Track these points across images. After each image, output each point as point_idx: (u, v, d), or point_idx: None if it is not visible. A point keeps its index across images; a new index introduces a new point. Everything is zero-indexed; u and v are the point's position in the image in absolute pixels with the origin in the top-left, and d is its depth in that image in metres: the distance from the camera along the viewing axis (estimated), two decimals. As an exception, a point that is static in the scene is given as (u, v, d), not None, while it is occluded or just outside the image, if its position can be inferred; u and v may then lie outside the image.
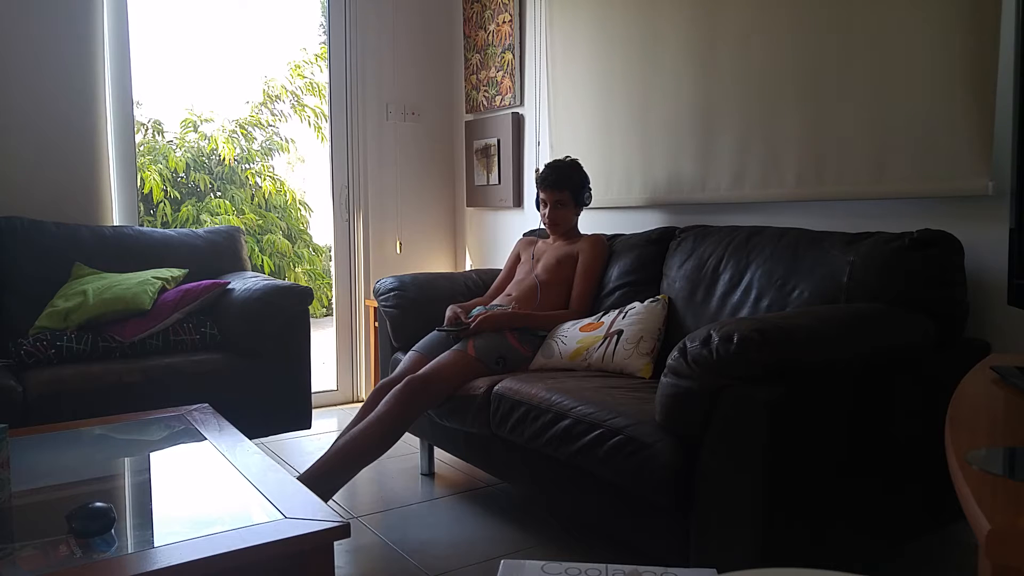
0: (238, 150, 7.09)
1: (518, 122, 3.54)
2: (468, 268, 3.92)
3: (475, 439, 2.24)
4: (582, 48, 3.07)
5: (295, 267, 7.20)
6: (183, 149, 6.95)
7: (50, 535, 1.25)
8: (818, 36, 2.20)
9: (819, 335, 1.55)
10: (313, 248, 7.50)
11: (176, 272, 2.82)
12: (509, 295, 2.61)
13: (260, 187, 7.19)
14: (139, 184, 6.06)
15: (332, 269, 3.91)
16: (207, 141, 7.03)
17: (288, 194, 7.37)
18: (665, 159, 2.73)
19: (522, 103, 3.51)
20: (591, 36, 3.02)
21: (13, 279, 2.69)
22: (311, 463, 2.12)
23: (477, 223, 3.93)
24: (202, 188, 6.90)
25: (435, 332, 2.51)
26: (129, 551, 1.21)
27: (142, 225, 3.25)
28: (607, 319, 2.31)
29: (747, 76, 2.41)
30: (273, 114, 7.30)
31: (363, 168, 3.79)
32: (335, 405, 3.82)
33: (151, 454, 1.83)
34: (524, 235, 3.02)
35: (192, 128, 7.00)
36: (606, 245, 2.64)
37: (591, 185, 2.71)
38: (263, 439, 3.00)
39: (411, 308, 2.70)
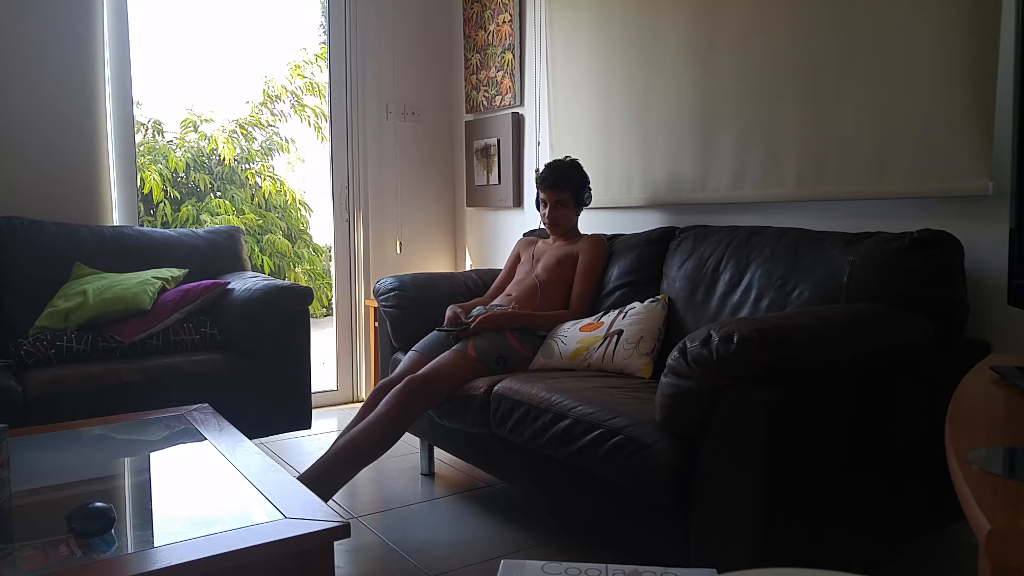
0: (238, 150, 7.09)
1: (518, 122, 3.54)
2: (468, 268, 3.92)
3: (475, 439, 2.24)
4: (582, 48, 3.07)
5: (295, 267, 7.20)
6: (183, 149, 6.95)
7: (50, 535, 1.25)
8: (818, 36, 2.20)
9: (819, 335, 1.55)
10: (313, 248, 7.50)
11: (176, 272, 2.82)
12: (509, 295, 2.62)
13: (260, 187, 7.19)
14: (139, 184, 6.06)
15: (332, 269, 3.91)
16: (207, 141, 7.03)
17: (288, 194, 7.37)
18: (665, 159, 2.73)
19: (522, 103, 3.51)
20: (591, 36, 3.02)
21: (13, 279, 2.69)
22: (311, 463, 2.12)
23: (477, 223, 3.93)
24: (202, 188, 6.90)
25: (435, 332, 2.51)
26: (129, 551, 1.21)
27: (142, 225, 3.25)
28: (607, 319, 2.31)
29: (747, 76, 2.41)
30: (273, 114, 7.31)
31: (363, 168, 3.79)
32: (335, 405, 3.82)
33: (151, 454, 1.83)
34: (524, 235, 3.02)
35: (192, 128, 7.00)
36: (606, 245, 2.64)
37: (591, 185, 2.71)
38: (263, 439, 3.00)
39: (411, 308, 2.70)
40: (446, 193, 4.06)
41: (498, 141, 3.62)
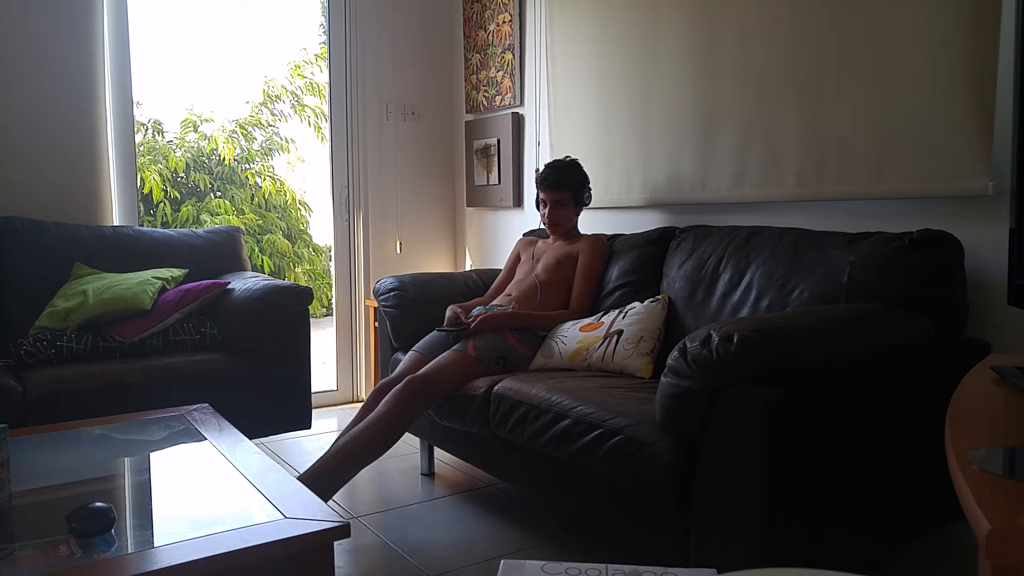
0: (238, 150, 7.10)
1: (518, 122, 3.54)
2: (468, 268, 3.92)
3: (475, 439, 2.24)
4: (582, 48, 3.07)
5: (295, 267, 7.20)
6: (183, 149, 6.95)
7: (50, 535, 1.25)
8: (818, 36, 2.20)
9: (819, 335, 1.55)
10: (313, 248, 7.50)
11: (176, 272, 2.82)
12: (509, 295, 2.62)
13: (260, 187, 7.19)
14: (139, 184, 6.06)
15: (332, 269, 3.91)
16: (207, 141, 7.03)
17: (288, 194, 7.37)
18: (665, 159, 2.73)
19: (522, 103, 3.51)
20: (591, 36, 3.02)
21: (13, 279, 2.69)
22: (311, 463, 2.12)
23: (477, 223, 3.93)
24: (202, 188, 6.91)
25: (435, 332, 2.51)
26: (129, 551, 1.21)
27: (142, 225, 3.25)
28: (607, 319, 2.31)
29: (747, 76, 2.41)
30: (273, 114, 7.31)
31: (363, 168, 3.79)
32: (335, 405, 3.82)
33: (151, 454, 1.83)
34: (524, 235, 3.02)
35: (192, 128, 7.00)
36: (606, 245, 2.64)
37: (591, 185, 2.71)
38: (263, 439, 3.00)
39: (411, 308, 2.70)
40: (446, 193, 4.06)
41: (498, 141, 3.63)
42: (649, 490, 1.60)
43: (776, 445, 1.41)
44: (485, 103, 3.72)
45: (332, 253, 3.90)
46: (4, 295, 2.66)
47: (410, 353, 2.50)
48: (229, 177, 7.11)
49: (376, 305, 2.91)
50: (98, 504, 1.27)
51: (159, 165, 6.65)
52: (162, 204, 6.60)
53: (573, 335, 2.31)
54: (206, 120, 7.04)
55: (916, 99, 1.98)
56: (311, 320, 2.83)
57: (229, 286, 2.76)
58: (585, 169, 2.70)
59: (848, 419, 1.56)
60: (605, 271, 2.60)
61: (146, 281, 2.65)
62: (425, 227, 4.00)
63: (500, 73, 3.60)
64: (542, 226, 2.81)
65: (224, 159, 6.98)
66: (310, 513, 1.33)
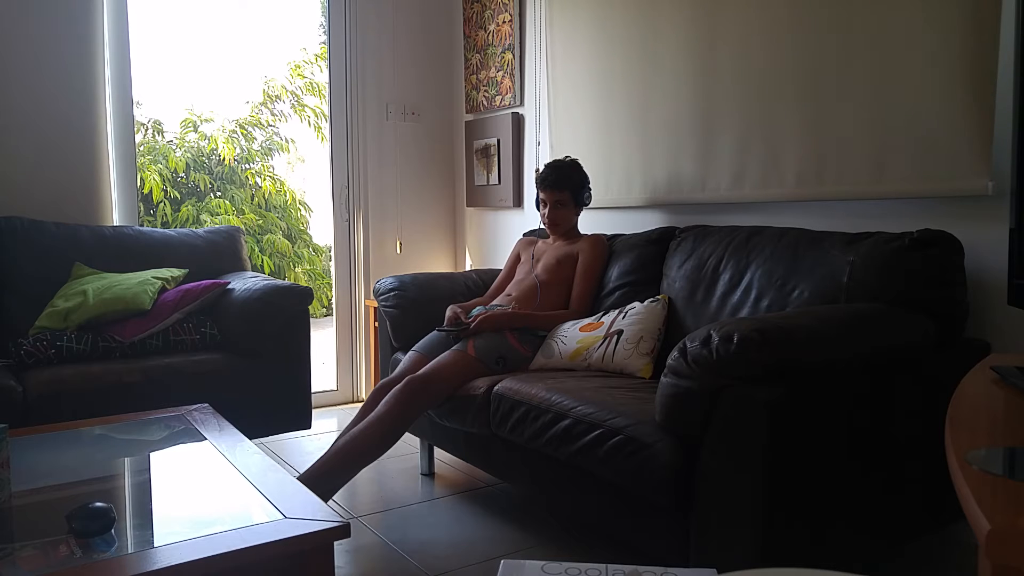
0: (238, 150, 7.09)
1: (518, 122, 3.54)
2: (468, 268, 3.92)
3: (475, 439, 2.24)
4: (582, 48, 3.07)
5: (295, 267, 7.20)
6: (183, 149, 6.95)
7: (50, 535, 1.25)
8: (818, 36, 2.20)
9: (819, 335, 1.55)
10: (313, 248, 7.50)
11: (176, 272, 2.82)
12: (509, 295, 2.62)
13: (260, 187, 7.19)
14: (139, 184, 6.06)
15: (332, 269, 3.91)
16: (207, 141, 7.03)
17: (288, 194, 7.37)
18: (665, 159, 2.73)
19: (522, 103, 3.51)
20: (591, 36, 3.02)
21: (13, 279, 2.69)
22: (311, 463, 2.12)
23: (477, 223, 3.93)
24: (202, 188, 6.91)
25: (435, 332, 2.51)
26: (129, 551, 1.21)
27: (142, 225, 3.25)
28: (607, 319, 2.31)
29: (747, 76, 2.41)
30: (273, 114, 7.31)
31: (363, 168, 3.79)
32: (335, 405, 3.82)
33: (151, 454, 1.83)
34: (524, 235, 3.02)
35: (192, 128, 7.00)
36: (606, 245, 2.64)
37: (591, 185, 2.71)
38: (263, 439, 3.00)
39: (411, 308, 2.70)
40: (446, 193, 4.06)
41: (498, 141, 3.63)
42: (649, 490, 1.60)
43: (776, 445, 1.41)
44: (485, 103, 3.72)
45: (332, 253, 3.90)
46: (4, 295, 2.66)
47: (410, 353, 2.50)
48: (229, 177, 7.11)
49: (376, 305, 2.91)
50: (98, 504, 1.27)
51: (159, 165, 6.65)
52: (162, 204, 6.60)
53: (573, 335, 2.31)
54: (206, 120, 7.04)
55: (916, 99, 1.98)
56: (311, 320, 2.83)
57: (229, 286, 2.76)
58: (585, 169, 2.70)
59: (848, 419, 1.56)
60: (605, 271, 2.60)
61: (146, 281, 2.65)
62: (425, 227, 4.00)
63: (500, 73, 3.60)
64: (542, 226, 2.81)
65: (224, 159, 6.98)
66: (310, 513, 1.33)
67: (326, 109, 3.93)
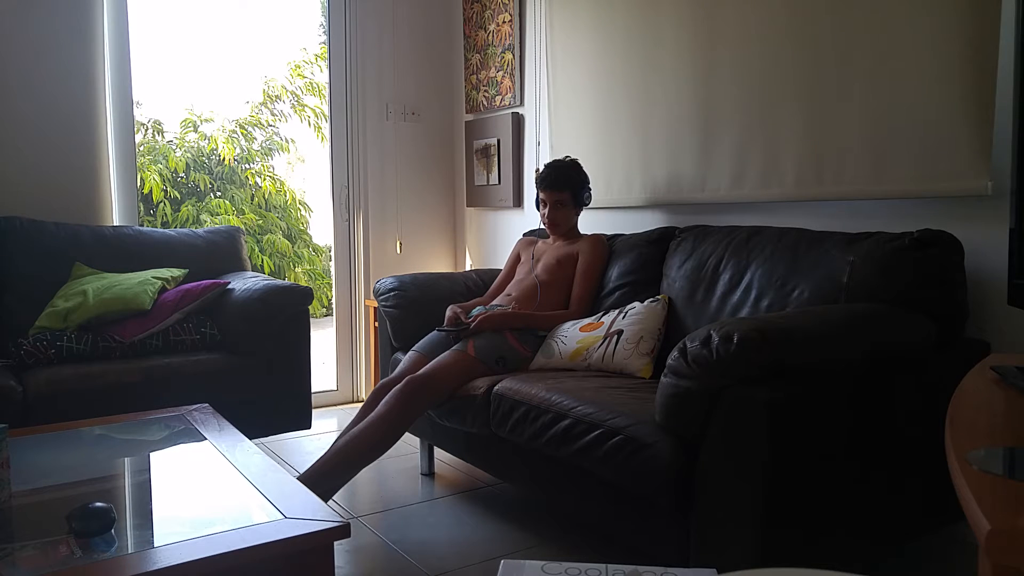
0: (238, 150, 7.09)
1: (518, 122, 3.54)
2: (468, 268, 3.92)
3: (475, 439, 2.24)
4: (582, 48, 3.07)
5: (295, 267, 7.20)
6: (183, 149, 6.95)
7: (50, 535, 1.25)
8: (818, 37, 2.20)
9: (819, 335, 1.55)
10: (313, 248, 7.50)
11: (176, 272, 2.82)
12: (509, 295, 2.61)
13: (260, 187, 7.19)
14: (139, 184, 6.06)
15: (332, 269, 3.91)
16: (207, 141, 7.03)
17: (288, 194, 7.37)
18: (665, 159, 2.73)
19: (522, 103, 3.51)
20: (591, 36, 3.02)
21: (13, 279, 2.69)
22: (311, 463, 2.12)
23: (477, 223, 3.94)
24: (202, 188, 6.91)
25: (435, 332, 2.51)
26: (129, 551, 1.21)
27: (142, 225, 3.25)
28: (607, 319, 2.31)
29: (747, 76, 2.41)
30: (273, 114, 7.31)
31: (363, 168, 3.79)
32: (335, 405, 3.82)
33: (151, 454, 1.83)
34: (524, 235, 3.02)
35: (192, 128, 7.00)
36: (606, 245, 2.64)
37: (591, 185, 2.71)
38: (263, 439, 3.00)
39: (411, 308, 2.70)
40: (446, 193, 4.06)
41: (498, 141, 3.62)
42: (649, 490, 1.60)
43: (776, 445, 1.41)
44: (485, 103, 3.72)
45: (332, 253, 3.90)
46: (4, 295, 2.66)
47: (410, 353, 2.50)
48: (229, 177, 7.11)
49: (376, 305, 2.91)
50: (98, 504, 1.27)
51: (159, 165, 6.65)
52: (162, 204, 6.60)
53: (573, 335, 2.31)
54: (206, 120, 7.04)
55: (916, 99, 1.98)
56: (311, 320, 2.83)
57: (229, 286, 2.76)
58: (585, 169, 2.70)
59: (848, 419, 1.56)
60: (605, 271, 2.60)
61: (146, 281, 2.65)
62: (425, 227, 4.00)
63: (500, 73, 3.60)
64: (542, 226, 2.81)
65: (224, 159, 6.98)
66: (310, 513, 1.33)
67: (326, 109, 3.93)
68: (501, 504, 2.46)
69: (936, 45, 1.93)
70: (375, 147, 3.80)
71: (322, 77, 6.99)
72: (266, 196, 7.19)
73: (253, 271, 3.10)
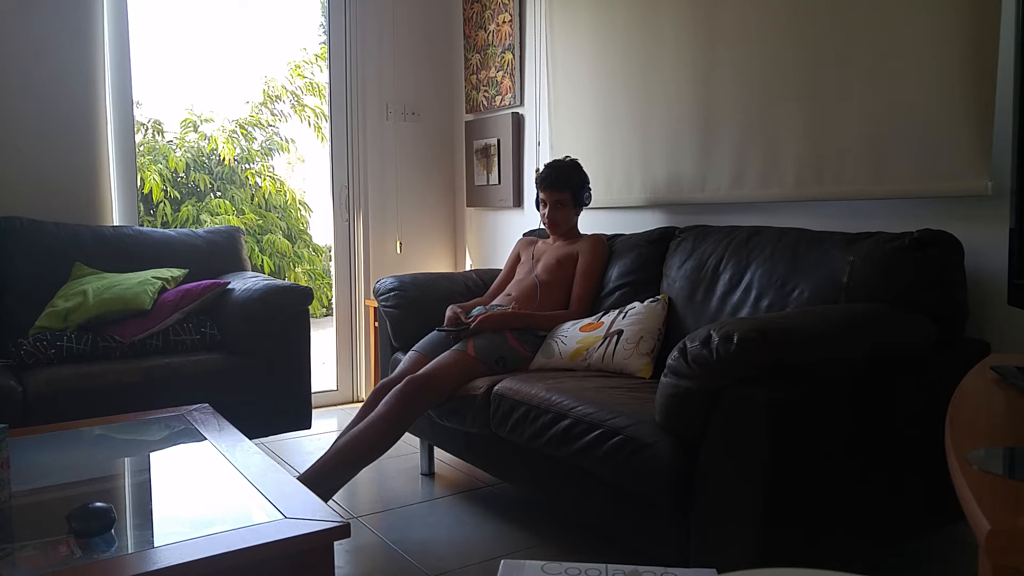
0: (238, 150, 7.09)
1: (518, 122, 3.54)
2: (468, 268, 3.92)
3: (475, 439, 2.24)
4: (582, 48, 3.07)
5: (295, 267, 7.20)
6: (183, 149, 6.95)
7: (50, 535, 1.25)
8: (818, 37, 2.20)
9: (819, 335, 1.55)
10: (313, 248, 7.50)
11: (176, 272, 2.82)
12: (509, 295, 2.61)
13: (260, 187, 7.19)
14: (139, 184, 6.06)
15: (332, 269, 3.91)
16: (207, 141, 7.03)
17: (288, 194, 7.37)
18: (665, 159, 2.73)
19: (522, 103, 3.51)
20: (591, 36, 3.02)
21: (13, 279, 2.69)
22: (311, 463, 2.12)
23: (477, 223, 3.94)
24: (202, 188, 6.90)
25: (435, 332, 2.51)
26: (129, 551, 1.21)
27: (142, 225, 3.25)
28: (607, 319, 2.31)
29: (747, 76, 2.41)
30: (273, 114, 7.31)
31: (363, 168, 3.79)
32: (335, 405, 3.82)
33: (151, 454, 1.83)
34: (524, 235, 3.02)
35: (192, 128, 7.00)
36: (606, 245, 2.64)
37: (591, 185, 2.71)
38: (263, 439, 3.00)
39: (411, 308, 2.70)
40: (446, 193, 4.06)
41: (498, 141, 3.62)
42: (649, 490, 1.60)
43: (776, 445, 1.41)
44: (485, 103, 3.72)
45: (332, 253, 3.90)
46: (4, 295, 2.66)
47: (410, 353, 2.50)
48: (229, 177, 7.11)
49: (376, 305, 2.91)
50: (98, 504, 1.27)
51: (159, 165, 6.65)
52: (162, 204, 6.60)
53: (573, 335, 2.31)
54: (206, 120, 7.04)
55: (916, 99, 1.98)
56: (311, 320, 2.83)
57: (229, 286, 2.76)
58: (585, 169, 2.70)
59: (848, 419, 1.56)
60: (605, 271, 2.60)
61: (146, 281, 2.65)
62: (425, 227, 4.00)
63: (500, 73, 3.60)
64: (542, 226, 2.81)
65: (224, 159, 6.98)
66: (310, 513, 1.33)
67: (326, 109, 3.93)
68: (501, 504, 2.46)
69: (936, 45, 1.93)
70: (375, 147, 3.80)
71: (322, 77, 6.99)
72: (266, 196, 7.19)
73: (253, 271, 3.10)
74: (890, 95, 2.04)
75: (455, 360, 2.29)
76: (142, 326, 2.54)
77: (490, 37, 3.64)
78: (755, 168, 2.41)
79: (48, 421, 2.12)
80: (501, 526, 2.28)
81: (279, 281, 2.71)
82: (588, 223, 2.93)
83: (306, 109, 7.34)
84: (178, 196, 6.81)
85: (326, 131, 3.93)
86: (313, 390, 2.82)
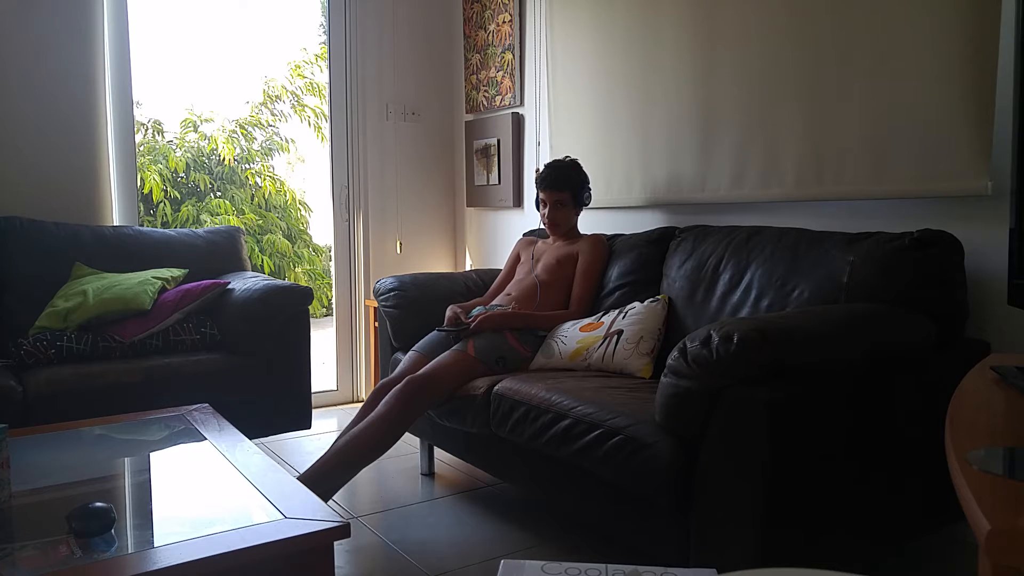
0: (238, 150, 7.09)
1: (518, 122, 3.54)
2: (468, 268, 3.92)
3: (475, 439, 2.24)
4: (582, 48, 3.07)
5: (295, 267, 7.20)
6: (183, 149, 6.95)
7: (50, 535, 1.25)
8: (818, 37, 2.20)
9: (819, 335, 1.55)
10: (313, 248, 7.50)
11: (176, 272, 2.82)
12: (509, 295, 2.61)
13: (260, 187, 7.19)
14: (139, 184, 6.06)
15: (332, 269, 3.91)
16: (207, 141, 7.03)
17: (288, 194, 7.37)
18: (665, 159, 2.73)
19: (522, 103, 3.51)
20: (591, 36, 3.02)
21: (13, 279, 2.69)
22: (311, 463, 2.12)
23: (477, 223, 3.94)
24: (202, 188, 6.90)
25: (435, 332, 2.51)
26: (129, 551, 1.21)
27: (142, 225, 3.25)
28: (607, 319, 2.31)
29: (747, 76, 2.41)
30: (273, 114, 7.31)
31: (363, 168, 3.79)
32: (335, 405, 3.82)
33: (151, 454, 1.83)
34: (524, 235, 3.02)
35: (192, 128, 7.00)
36: (606, 245, 2.64)
37: (591, 185, 2.71)
38: (263, 439, 3.00)
39: (411, 308, 2.70)
40: (446, 193, 4.06)
41: (498, 141, 3.62)
42: (649, 490, 1.60)
43: (776, 445, 1.41)
44: (485, 103, 3.72)
45: (332, 253, 3.90)
46: (4, 295, 2.66)
47: (410, 353, 2.50)
48: (229, 177, 7.11)
49: (376, 305, 2.91)
50: (98, 504, 1.27)
51: (159, 165, 6.65)
52: (162, 204, 6.60)
53: (573, 335, 2.31)
54: (206, 120, 7.04)
55: (916, 99, 1.98)
56: (311, 320, 2.83)
57: (229, 286, 2.76)
58: (585, 169, 2.70)
59: (848, 419, 1.56)
60: (605, 271, 2.60)
61: (146, 281, 2.65)
62: (425, 227, 4.00)
63: (500, 73, 3.60)
64: (542, 226, 2.81)
65: (224, 159, 6.98)
66: (310, 513, 1.33)
67: (326, 109, 3.93)
68: (501, 504, 2.46)
69: (936, 45, 1.93)
70: (375, 147, 3.80)
71: (322, 77, 6.99)
72: (266, 196, 7.19)
73: (253, 271, 3.10)
74: (890, 95, 2.04)
75: (455, 360, 2.29)
76: (142, 326, 2.54)
77: (490, 37, 3.64)
78: (755, 168, 2.41)
79: (48, 421, 2.12)
80: (501, 526, 2.28)
81: (279, 281, 2.71)
82: (588, 223, 2.93)
83: (306, 109, 7.34)
84: (178, 196, 6.81)
85: (326, 131, 3.93)
86: (313, 390, 2.82)
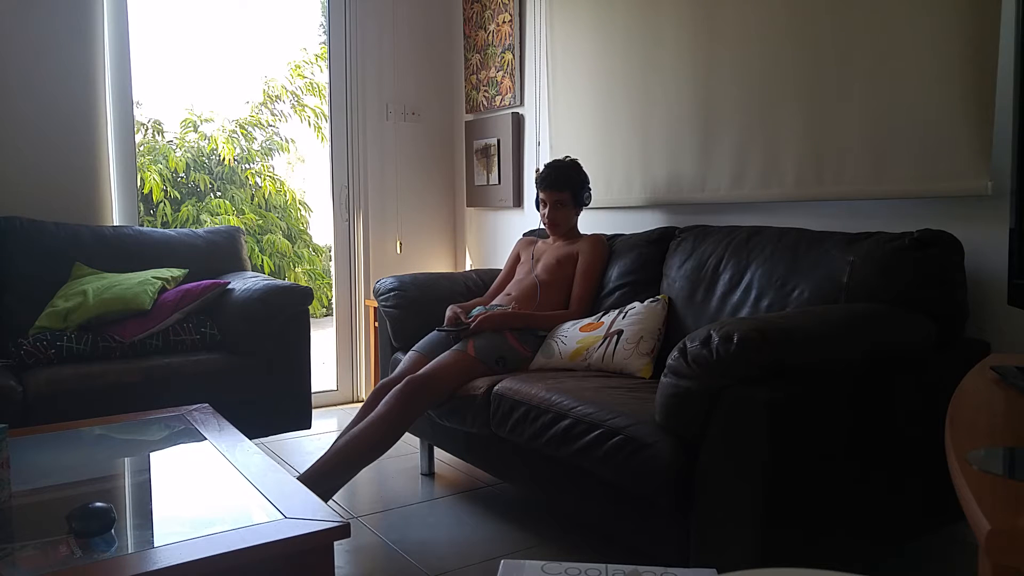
0: (238, 150, 7.09)
1: (518, 122, 3.54)
2: (468, 268, 3.92)
3: (475, 439, 2.24)
4: (582, 48, 3.07)
5: (295, 267, 7.20)
6: (183, 149, 6.95)
7: (50, 535, 1.25)
8: (818, 37, 2.20)
9: (819, 335, 1.55)
10: (313, 248, 7.50)
11: (176, 272, 2.82)
12: (509, 295, 2.61)
13: (260, 187, 7.19)
14: (139, 184, 6.06)
15: (332, 269, 3.91)
16: (207, 141, 7.03)
17: (288, 194, 7.37)
18: (665, 159, 2.73)
19: (522, 103, 3.51)
20: (591, 36, 3.02)
21: (13, 279, 2.69)
22: (311, 463, 2.12)
23: (477, 223, 3.94)
24: (202, 188, 6.90)
25: (435, 332, 2.51)
26: (129, 551, 1.21)
27: (142, 225, 3.25)
28: (607, 319, 2.31)
29: (747, 76, 2.41)
30: (273, 114, 7.31)
31: (363, 168, 3.79)
32: (335, 405, 3.82)
33: (151, 454, 1.83)
34: (524, 235, 3.02)
35: (192, 128, 7.00)
36: (606, 245, 2.64)
37: (591, 185, 2.71)
38: (263, 439, 3.00)
39: (411, 308, 2.70)
40: (446, 193, 4.06)
41: (498, 141, 3.62)
42: (649, 490, 1.60)
43: (776, 445, 1.41)
44: (485, 103, 3.72)
45: (332, 253, 3.90)
46: (4, 295, 2.66)
47: (410, 353, 2.50)
48: (229, 177, 7.11)
49: (376, 305, 2.91)
50: (98, 504, 1.27)
51: (159, 165, 6.65)
52: (162, 204, 6.60)
53: (573, 335, 2.31)
54: (206, 120, 7.04)
55: (916, 99, 1.98)
56: (311, 320, 2.83)
57: (229, 286, 2.76)
58: (585, 169, 2.70)
59: (848, 419, 1.56)
60: (605, 271, 2.60)
61: (146, 281, 2.65)
62: (425, 227, 4.00)
63: (500, 73, 3.60)
64: (542, 226, 2.81)
65: (224, 159, 6.98)
66: (310, 513, 1.33)
67: (326, 109, 3.93)
68: (501, 504, 2.46)
69: (936, 45, 1.93)
70: (375, 147, 3.80)
71: (322, 77, 6.99)
72: (266, 196, 7.19)
73: (253, 271, 3.10)
74: (890, 95, 2.04)
75: (455, 360, 2.29)
76: (142, 326, 2.54)
77: (490, 37, 3.64)
78: (755, 168, 2.41)
79: (48, 421, 2.12)
80: (501, 526, 2.28)
81: (279, 281, 2.71)
82: (588, 223, 2.93)
83: (306, 109, 7.34)
84: (178, 196, 6.81)
85: (326, 131, 3.93)
86: (313, 390, 2.82)
